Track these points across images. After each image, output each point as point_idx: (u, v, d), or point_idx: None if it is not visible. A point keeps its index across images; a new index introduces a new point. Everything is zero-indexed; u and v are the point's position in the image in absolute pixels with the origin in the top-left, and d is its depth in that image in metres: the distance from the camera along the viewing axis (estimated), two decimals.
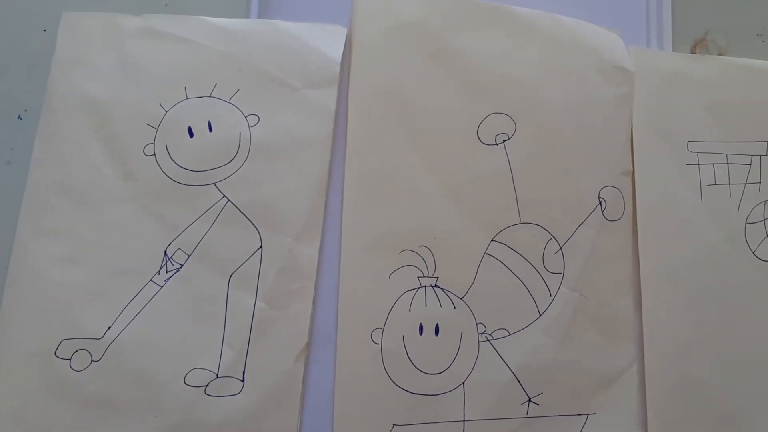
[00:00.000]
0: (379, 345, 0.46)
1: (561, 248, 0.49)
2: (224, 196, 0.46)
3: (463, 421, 0.46)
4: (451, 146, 0.49)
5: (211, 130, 0.47)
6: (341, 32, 0.50)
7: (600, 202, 0.50)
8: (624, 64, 0.52)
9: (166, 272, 0.45)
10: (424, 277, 0.47)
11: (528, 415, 0.47)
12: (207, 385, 0.44)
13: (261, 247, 0.46)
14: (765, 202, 0.53)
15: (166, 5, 0.51)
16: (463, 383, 0.46)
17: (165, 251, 0.45)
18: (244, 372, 0.44)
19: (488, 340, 0.47)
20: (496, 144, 0.49)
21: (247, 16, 0.50)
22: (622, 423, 0.48)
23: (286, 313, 0.45)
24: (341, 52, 0.49)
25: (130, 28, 0.48)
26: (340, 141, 0.48)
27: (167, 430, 0.43)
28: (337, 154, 0.48)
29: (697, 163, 0.52)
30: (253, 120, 0.47)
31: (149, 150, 0.46)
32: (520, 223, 0.49)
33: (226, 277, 0.45)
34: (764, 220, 0.52)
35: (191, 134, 0.47)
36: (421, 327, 0.47)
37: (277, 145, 0.47)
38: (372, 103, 0.48)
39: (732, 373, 0.50)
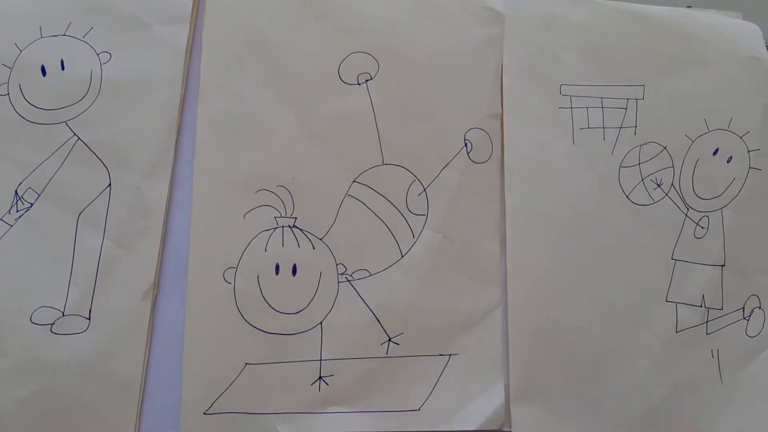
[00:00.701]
0: (232, 284, 0.45)
1: (425, 190, 0.49)
2: (74, 134, 0.45)
3: (320, 360, 0.46)
4: (311, 85, 0.48)
5: (63, 68, 0.46)
6: None
7: (466, 144, 0.49)
8: (494, 6, 0.51)
9: (17, 211, 0.45)
10: (281, 217, 0.47)
11: (388, 355, 0.47)
12: (53, 324, 0.43)
13: (110, 185, 0.45)
14: (641, 146, 0.52)
15: None
16: (321, 323, 0.46)
17: (16, 190, 0.45)
18: (90, 310, 0.44)
19: (348, 281, 0.47)
20: (358, 84, 0.49)
21: None
22: (484, 365, 0.48)
23: (133, 252, 0.45)
24: None
25: None
26: (196, 80, 0.47)
27: (13, 370, 0.43)
28: (192, 93, 0.47)
29: (570, 106, 0.52)
30: (105, 57, 0.46)
31: (3, 90, 0.46)
32: (383, 164, 0.48)
33: (75, 215, 0.45)
34: (639, 164, 0.52)
35: (44, 73, 0.46)
36: (277, 267, 0.46)
37: (127, 82, 0.46)
38: (227, 40, 0.48)
39: (599, 317, 0.50)
